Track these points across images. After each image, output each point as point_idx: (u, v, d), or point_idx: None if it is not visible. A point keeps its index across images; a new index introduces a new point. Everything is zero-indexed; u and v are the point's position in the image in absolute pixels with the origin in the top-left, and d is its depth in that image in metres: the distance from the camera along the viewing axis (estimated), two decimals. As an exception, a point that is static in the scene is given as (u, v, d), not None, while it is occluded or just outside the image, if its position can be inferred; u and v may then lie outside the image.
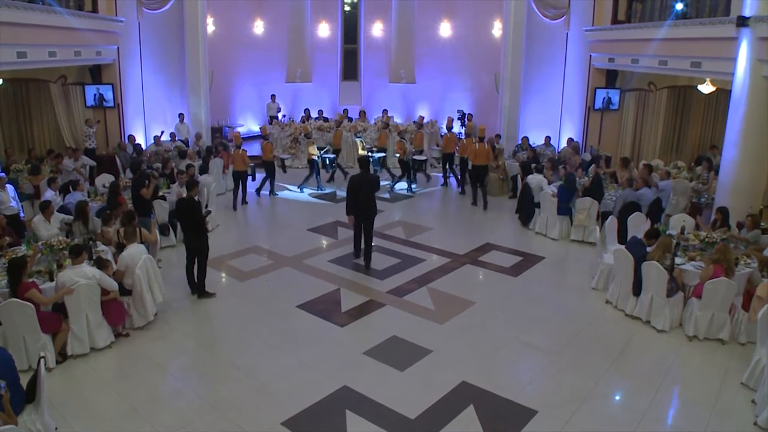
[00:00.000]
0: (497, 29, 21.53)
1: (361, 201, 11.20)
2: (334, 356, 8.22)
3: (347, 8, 24.34)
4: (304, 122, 20.53)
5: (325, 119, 21.52)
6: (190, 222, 10.00)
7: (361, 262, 11.55)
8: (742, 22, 11.36)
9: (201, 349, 8.56)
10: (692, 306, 8.91)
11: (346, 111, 22.00)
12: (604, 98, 18.18)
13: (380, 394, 7.28)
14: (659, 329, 9.00)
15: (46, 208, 10.28)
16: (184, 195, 10.70)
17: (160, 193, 12.54)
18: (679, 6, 14.32)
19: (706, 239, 9.93)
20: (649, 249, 9.46)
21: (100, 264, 8.46)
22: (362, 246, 11.58)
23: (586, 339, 8.83)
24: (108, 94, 17.48)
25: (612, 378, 7.86)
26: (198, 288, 10.04)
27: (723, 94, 15.83)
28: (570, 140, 17.98)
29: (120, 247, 9.27)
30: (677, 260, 9.42)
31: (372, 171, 12.05)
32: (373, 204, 11.47)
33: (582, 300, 10.20)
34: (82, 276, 8.00)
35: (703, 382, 7.73)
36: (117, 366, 8.06)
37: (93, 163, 16.02)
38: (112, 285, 8.35)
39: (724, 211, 10.70)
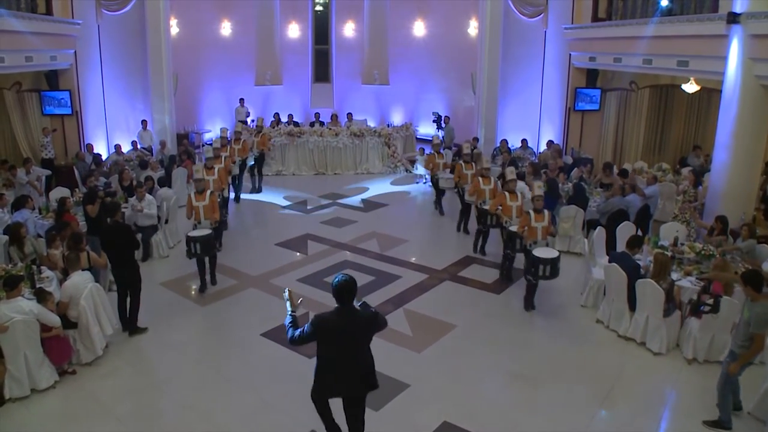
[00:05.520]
0: (473, 28, 20.93)
1: (343, 363, 5.66)
2: (301, 394, 7.28)
3: (318, 8, 23.66)
4: (273, 127, 19.65)
5: (296, 123, 20.69)
6: (120, 251, 8.88)
7: None
8: (733, 18, 10.78)
9: (153, 387, 7.73)
10: (690, 326, 8.25)
11: (317, 114, 21.26)
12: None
13: (353, 439, 6.51)
14: (655, 352, 8.35)
15: (-15, 230, 9.39)
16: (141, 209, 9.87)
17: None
18: (664, 2, 13.73)
19: (702, 251, 9.31)
20: (635, 257, 8.97)
21: (40, 297, 7.61)
22: None
23: (578, 365, 8.15)
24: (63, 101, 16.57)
25: (609, 410, 7.24)
26: (129, 324, 8.97)
27: (706, 92, 15.33)
28: (550, 143, 17.37)
29: (67, 273, 8.41)
30: (673, 275, 8.75)
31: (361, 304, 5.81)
32: (367, 366, 5.82)
33: (571, 319, 9.49)
34: (17, 311, 7.16)
35: (706, 411, 7.04)
36: (61, 409, 7.25)
37: (48, 172, 15.11)
38: (54, 320, 7.50)
39: (723, 221, 10.08)
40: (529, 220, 9.70)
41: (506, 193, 10.88)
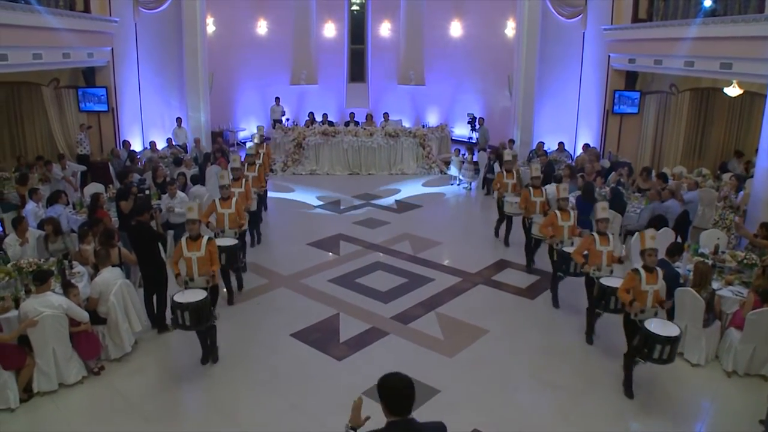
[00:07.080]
0: (510, 29, 20.70)
1: None
2: (329, 397, 7.29)
3: (354, 7, 23.65)
4: (308, 126, 19.65)
5: (331, 123, 20.64)
6: (145, 250, 8.88)
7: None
8: (781, 19, 10.43)
9: (179, 387, 7.69)
10: (731, 337, 7.97)
11: (352, 114, 21.18)
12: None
13: (380, 445, 6.38)
14: (693, 363, 8.09)
15: (18, 224, 9.42)
16: (173, 208, 9.85)
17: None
18: (708, 2, 13.35)
19: (745, 260, 9.01)
20: (675, 265, 8.67)
21: (65, 289, 7.60)
22: None
23: (613, 375, 7.88)
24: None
25: (643, 422, 7.00)
26: (157, 321, 8.95)
27: (749, 96, 14.94)
28: (586, 146, 17.03)
29: (98, 268, 8.40)
30: (713, 284, 8.45)
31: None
32: None
33: (606, 327, 9.14)
34: (47, 306, 7.16)
35: (745, 427, 6.80)
36: (88, 405, 7.24)
37: (83, 168, 15.26)
38: (82, 315, 7.50)
39: None
40: (638, 283, 7.16)
41: (596, 235, 8.61)
